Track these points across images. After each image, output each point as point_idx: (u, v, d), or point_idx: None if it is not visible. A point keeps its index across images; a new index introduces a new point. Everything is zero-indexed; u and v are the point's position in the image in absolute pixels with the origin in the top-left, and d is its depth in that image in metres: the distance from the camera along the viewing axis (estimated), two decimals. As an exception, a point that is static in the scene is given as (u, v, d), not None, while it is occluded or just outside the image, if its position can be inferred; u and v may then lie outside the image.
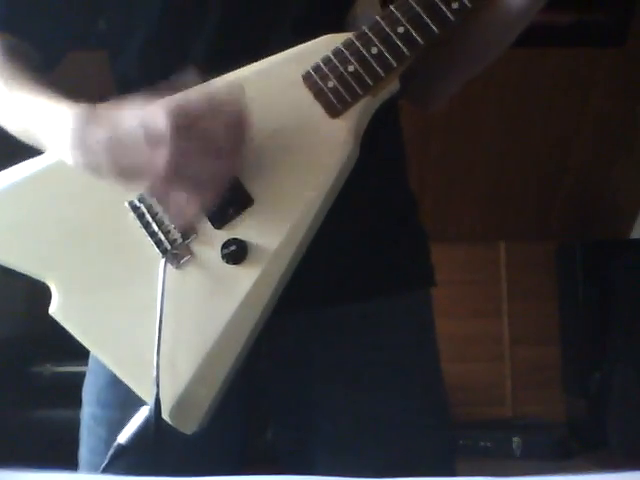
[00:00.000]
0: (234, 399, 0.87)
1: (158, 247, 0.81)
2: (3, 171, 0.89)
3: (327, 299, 0.90)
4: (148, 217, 0.82)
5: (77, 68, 2.51)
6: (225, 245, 0.79)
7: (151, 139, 0.71)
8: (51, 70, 0.97)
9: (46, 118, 0.82)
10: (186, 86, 0.76)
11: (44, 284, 0.86)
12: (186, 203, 0.75)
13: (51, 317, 0.85)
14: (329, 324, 0.90)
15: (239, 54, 0.83)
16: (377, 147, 0.88)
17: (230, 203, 0.79)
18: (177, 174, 0.72)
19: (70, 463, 0.94)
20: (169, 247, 0.81)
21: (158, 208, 0.82)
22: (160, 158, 0.70)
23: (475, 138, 3.54)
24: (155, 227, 0.82)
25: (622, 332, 3.37)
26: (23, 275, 0.87)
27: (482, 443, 3.40)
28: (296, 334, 0.90)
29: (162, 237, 0.81)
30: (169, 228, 0.81)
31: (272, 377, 0.91)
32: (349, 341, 0.91)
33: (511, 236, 3.84)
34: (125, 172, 0.74)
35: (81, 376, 0.96)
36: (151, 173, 0.72)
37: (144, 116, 0.72)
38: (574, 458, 3.32)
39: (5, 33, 0.93)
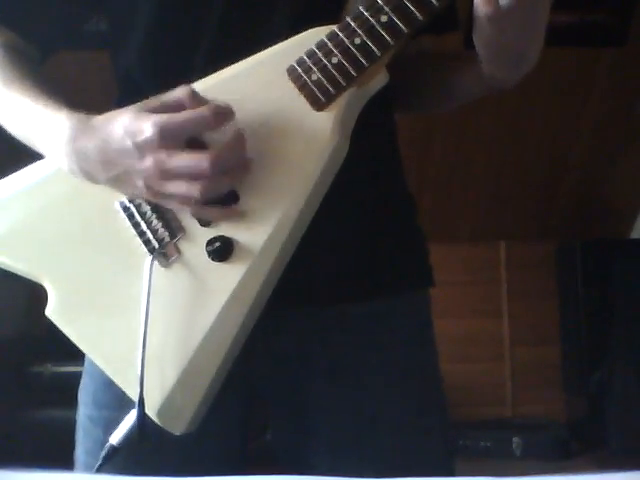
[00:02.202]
0: (233, 399, 0.87)
1: (146, 246, 0.82)
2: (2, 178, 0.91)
3: (326, 299, 0.90)
4: (137, 217, 0.83)
5: (77, 68, 2.52)
6: (210, 242, 0.79)
7: (138, 145, 0.75)
8: (45, 61, 0.98)
9: (44, 126, 0.84)
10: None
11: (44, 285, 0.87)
12: (187, 189, 0.76)
13: (51, 317, 0.85)
14: (328, 324, 0.90)
15: (239, 50, 0.83)
16: (373, 146, 0.89)
17: (216, 200, 0.79)
18: (166, 174, 0.75)
19: (70, 463, 0.94)
20: (157, 246, 0.81)
21: (147, 208, 0.82)
22: (148, 162, 0.75)
23: (475, 138, 3.54)
24: (144, 226, 0.82)
25: (622, 332, 3.37)
26: (22, 276, 0.87)
27: (482, 443, 3.39)
28: (294, 334, 0.90)
29: (150, 236, 0.82)
30: (157, 227, 0.82)
31: (270, 377, 0.91)
32: (348, 341, 0.91)
33: (511, 236, 3.84)
34: (116, 178, 0.79)
35: (81, 376, 0.96)
36: (143, 176, 0.76)
37: (130, 126, 0.76)
38: (574, 458, 3.32)
39: (1, 27, 0.94)
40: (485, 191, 3.72)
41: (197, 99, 0.77)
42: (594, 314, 3.48)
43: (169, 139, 0.74)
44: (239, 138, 0.77)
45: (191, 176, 0.75)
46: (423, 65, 0.98)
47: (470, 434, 3.39)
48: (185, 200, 0.77)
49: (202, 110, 0.75)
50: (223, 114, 0.76)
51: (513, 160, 3.61)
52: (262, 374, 0.91)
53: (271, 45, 0.82)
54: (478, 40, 0.82)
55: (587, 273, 3.53)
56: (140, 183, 0.77)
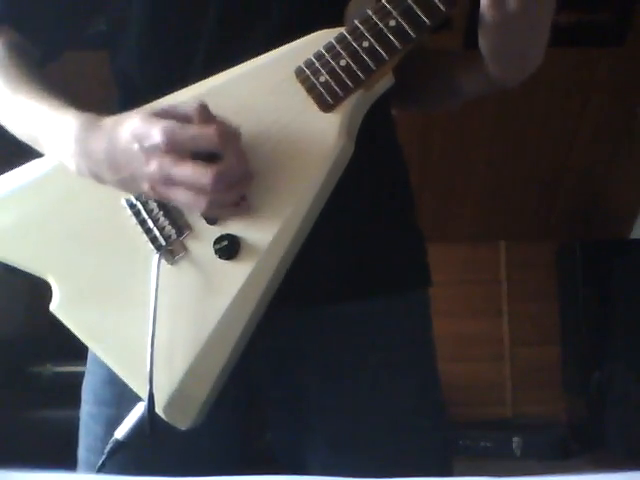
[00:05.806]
0: (232, 398, 0.87)
1: (153, 243, 0.82)
2: (5, 173, 0.91)
3: (324, 298, 0.89)
4: (144, 214, 0.83)
5: (77, 68, 2.52)
6: (217, 240, 0.80)
7: (145, 150, 0.75)
8: (48, 64, 0.98)
9: (51, 127, 0.84)
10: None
11: (44, 284, 0.87)
12: (191, 200, 0.76)
13: (51, 317, 0.86)
14: (325, 323, 0.90)
15: (238, 49, 0.84)
16: (374, 146, 0.89)
17: None
18: (170, 181, 0.75)
19: (70, 463, 0.94)
20: (164, 243, 0.82)
21: (153, 205, 0.83)
22: (153, 167, 0.75)
23: (475, 138, 3.55)
24: (151, 224, 0.83)
25: (622, 332, 3.37)
26: (24, 275, 0.88)
27: (482, 443, 3.40)
28: (293, 333, 0.90)
29: (157, 233, 0.82)
30: (164, 225, 0.82)
31: (269, 376, 0.91)
32: (346, 341, 0.90)
33: (511, 236, 3.85)
34: (123, 181, 0.79)
35: (81, 376, 0.97)
36: (148, 180, 0.76)
37: (138, 130, 0.76)
38: (574, 458, 3.32)
39: (5, 27, 0.94)
40: (485, 191, 3.73)
41: (206, 116, 0.77)
42: (594, 314, 3.48)
43: (176, 148, 0.74)
44: (241, 156, 0.77)
45: (193, 189, 0.75)
46: (424, 61, 0.98)
47: (470, 434, 3.40)
48: (190, 207, 0.78)
49: (210, 131, 0.75)
50: (231, 137, 0.76)
51: (513, 160, 3.62)
52: (261, 373, 0.91)
53: (270, 46, 0.82)
54: (484, 43, 0.83)
55: (587, 273, 3.54)
56: (146, 186, 0.77)
